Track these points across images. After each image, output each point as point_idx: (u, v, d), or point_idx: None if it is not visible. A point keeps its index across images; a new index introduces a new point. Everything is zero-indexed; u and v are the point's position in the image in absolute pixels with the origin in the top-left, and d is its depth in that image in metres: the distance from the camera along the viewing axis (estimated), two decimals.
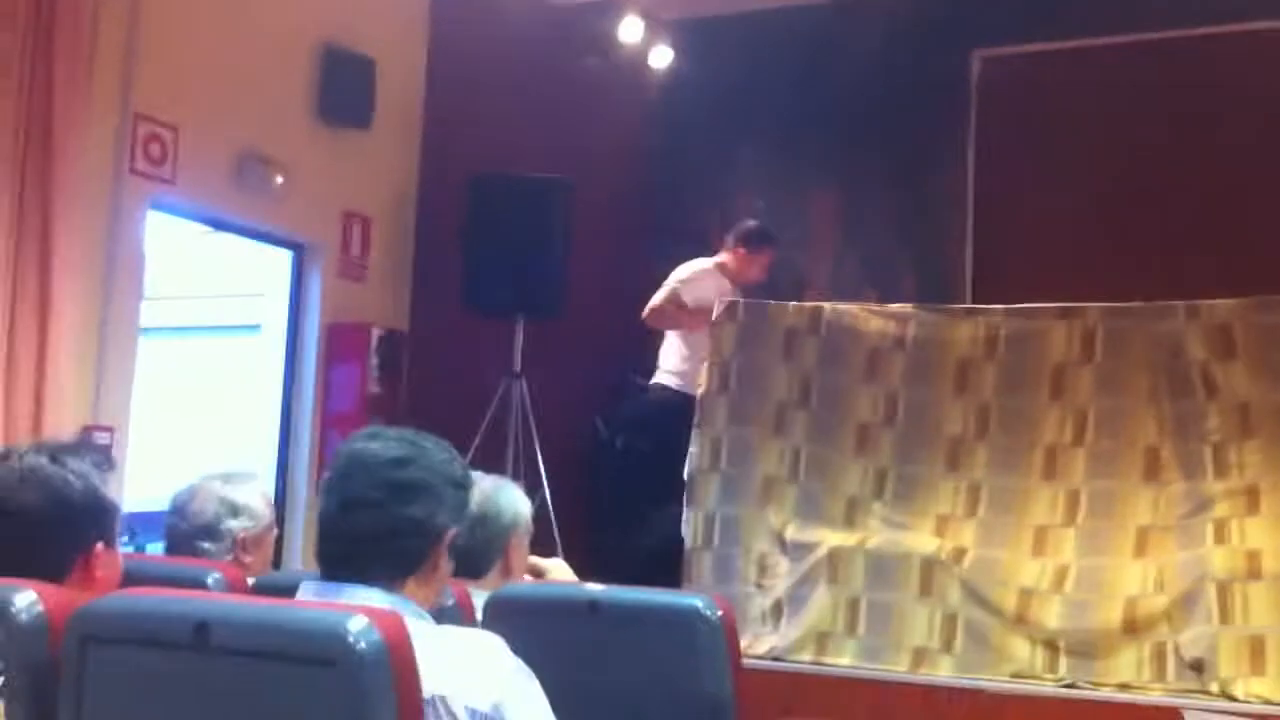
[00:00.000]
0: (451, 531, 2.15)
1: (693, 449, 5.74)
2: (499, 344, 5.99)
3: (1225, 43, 6.78)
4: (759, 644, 5.30)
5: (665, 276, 6.26)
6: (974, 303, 6.91)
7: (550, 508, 5.63)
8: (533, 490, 5.83)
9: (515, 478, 5.83)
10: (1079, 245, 7.04)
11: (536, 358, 6.13)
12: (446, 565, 2.18)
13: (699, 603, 2.84)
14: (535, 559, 3.33)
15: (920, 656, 5.14)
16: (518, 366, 5.99)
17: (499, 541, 3.14)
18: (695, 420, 5.77)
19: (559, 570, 3.41)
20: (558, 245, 6.05)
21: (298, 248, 6.80)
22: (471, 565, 3.02)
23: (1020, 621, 5.07)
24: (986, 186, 7.42)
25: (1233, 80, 6.71)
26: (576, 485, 6.67)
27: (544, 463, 5.81)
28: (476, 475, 3.09)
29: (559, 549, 4.38)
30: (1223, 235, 6.59)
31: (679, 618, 2.82)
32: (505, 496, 3.24)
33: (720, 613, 2.82)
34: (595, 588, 2.91)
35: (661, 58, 7.49)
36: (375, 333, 5.86)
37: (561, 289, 5.98)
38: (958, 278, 7.31)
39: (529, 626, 2.46)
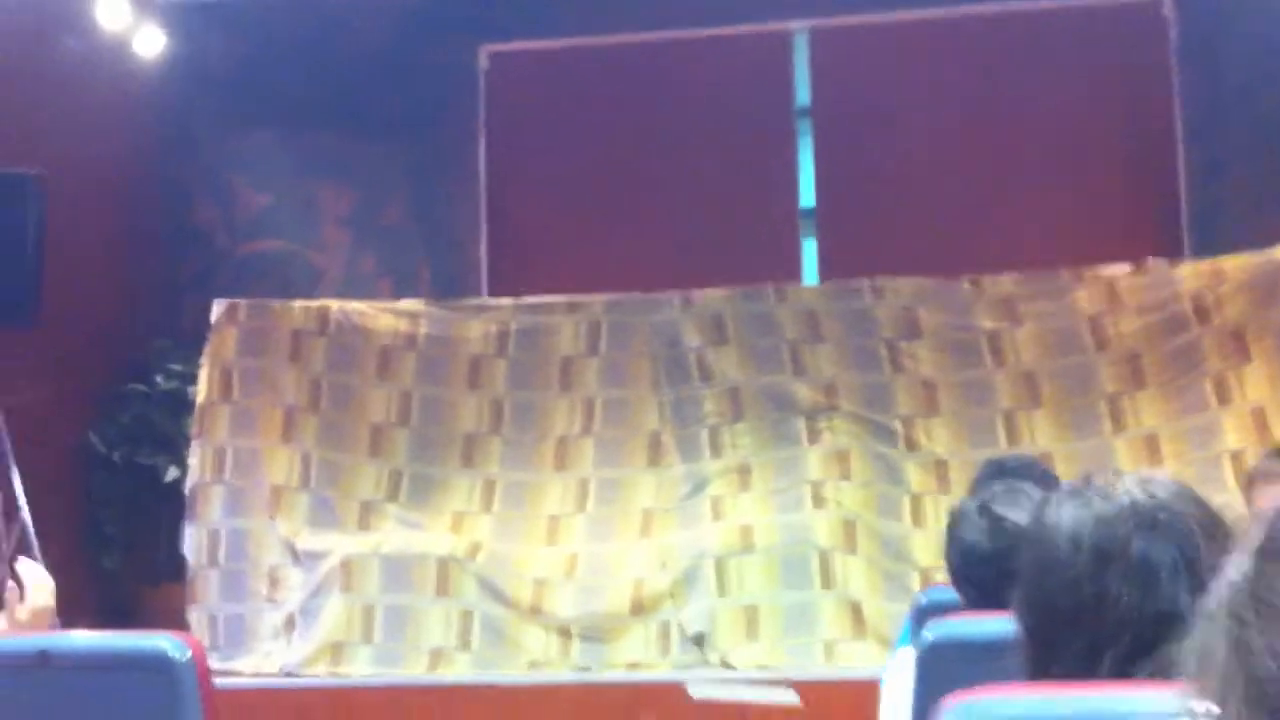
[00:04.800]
0: None
1: (191, 461, 5.43)
2: None
3: (709, 44, 7.19)
4: (270, 661, 5.09)
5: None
6: (491, 294, 6.96)
7: (33, 536, 5.12)
8: (10, 518, 5.30)
9: None
10: (591, 235, 7.24)
11: (11, 372, 5.55)
12: None
13: (165, 644, 2.63)
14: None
15: (438, 657, 5.11)
16: None
17: None
18: (194, 431, 5.46)
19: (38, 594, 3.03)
20: (27, 247, 5.45)
21: None
22: None
23: (535, 612, 5.16)
24: (499, 179, 7.48)
25: (716, 78, 7.12)
26: (69, 507, 6.12)
27: (25, 487, 5.27)
28: None
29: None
30: (722, 227, 6.97)
31: (144, 662, 2.60)
32: None
33: (189, 653, 2.63)
34: (48, 635, 2.64)
35: (152, 42, 6.97)
36: None
37: (34, 295, 5.41)
38: (473, 270, 7.33)
39: None
